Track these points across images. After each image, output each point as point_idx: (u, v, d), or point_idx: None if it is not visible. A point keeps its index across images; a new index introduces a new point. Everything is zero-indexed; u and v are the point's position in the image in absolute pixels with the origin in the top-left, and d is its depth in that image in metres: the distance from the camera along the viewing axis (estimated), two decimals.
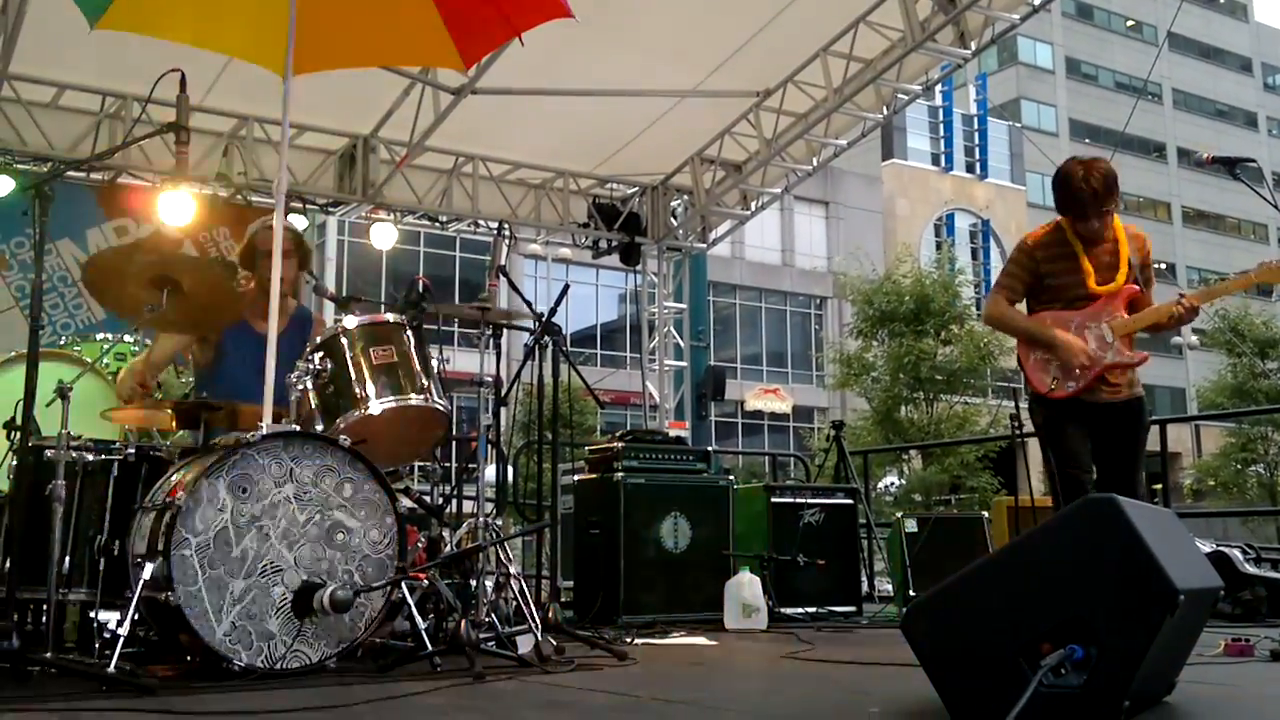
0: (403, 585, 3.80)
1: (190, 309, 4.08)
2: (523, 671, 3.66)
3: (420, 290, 4.43)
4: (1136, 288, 4.32)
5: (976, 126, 44.31)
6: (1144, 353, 4.28)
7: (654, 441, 6.62)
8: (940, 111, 43.21)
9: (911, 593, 6.69)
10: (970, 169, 44.11)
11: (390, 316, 4.27)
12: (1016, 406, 5.83)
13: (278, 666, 3.46)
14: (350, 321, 4.18)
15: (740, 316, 38.35)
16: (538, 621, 4.14)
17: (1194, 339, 37.94)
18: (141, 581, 3.38)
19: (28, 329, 3.54)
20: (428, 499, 4.87)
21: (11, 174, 7.33)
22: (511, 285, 5.09)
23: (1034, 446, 4.63)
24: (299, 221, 8.25)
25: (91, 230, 8.13)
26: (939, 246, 35.67)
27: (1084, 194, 4.17)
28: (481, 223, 9.31)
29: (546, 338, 4.94)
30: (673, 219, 9.89)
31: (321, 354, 4.07)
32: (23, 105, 7.48)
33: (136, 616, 3.40)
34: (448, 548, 4.46)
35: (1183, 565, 2.51)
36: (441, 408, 4.24)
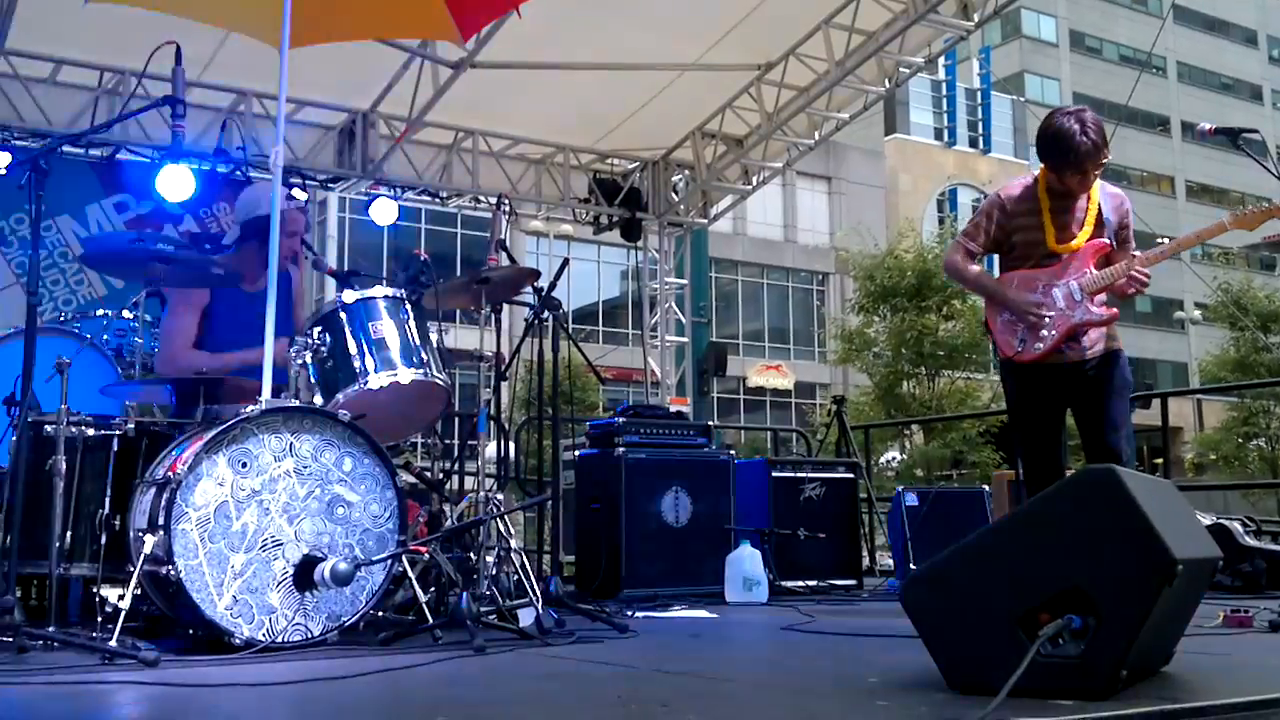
0: (404, 559, 3.81)
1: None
2: (523, 644, 3.67)
3: (421, 265, 4.42)
4: (1105, 243, 4.15)
5: (980, 100, 44.10)
6: (1114, 309, 4.13)
7: (655, 417, 6.62)
8: (943, 85, 43.00)
9: (912, 566, 6.70)
10: (973, 143, 43.92)
11: (390, 291, 4.26)
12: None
13: (279, 640, 3.47)
14: (349, 296, 4.17)
15: (742, 292, 38.29)
16: (538, 595, 4.15)
17: (1196, 313, 37.94)
18: (142, 556, 3.39)
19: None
20: (428, 474, 4.88)
21: (9, 150, 7.30)
22: (512, 260, 5.08)
23: None
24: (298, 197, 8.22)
25: (91, 206, 8.12)
26: (942, 221, 35.65)
27: (1086, 147, 3.99)
28: (482, 198, 9.28)
29: (547, 313, 4.94)
30: (674, 194, 9.86)
31: (320, 328, 4.07)
32: (19, 81, 7.45)
33: (138, 591, 3.41)
34: (448, 522, 4.47)
35: (1182, 535, 2.51)
36: (441, 382, 4.24)
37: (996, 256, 4.39)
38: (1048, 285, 4.13)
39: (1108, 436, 4.06)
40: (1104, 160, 4.08)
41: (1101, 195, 4.20)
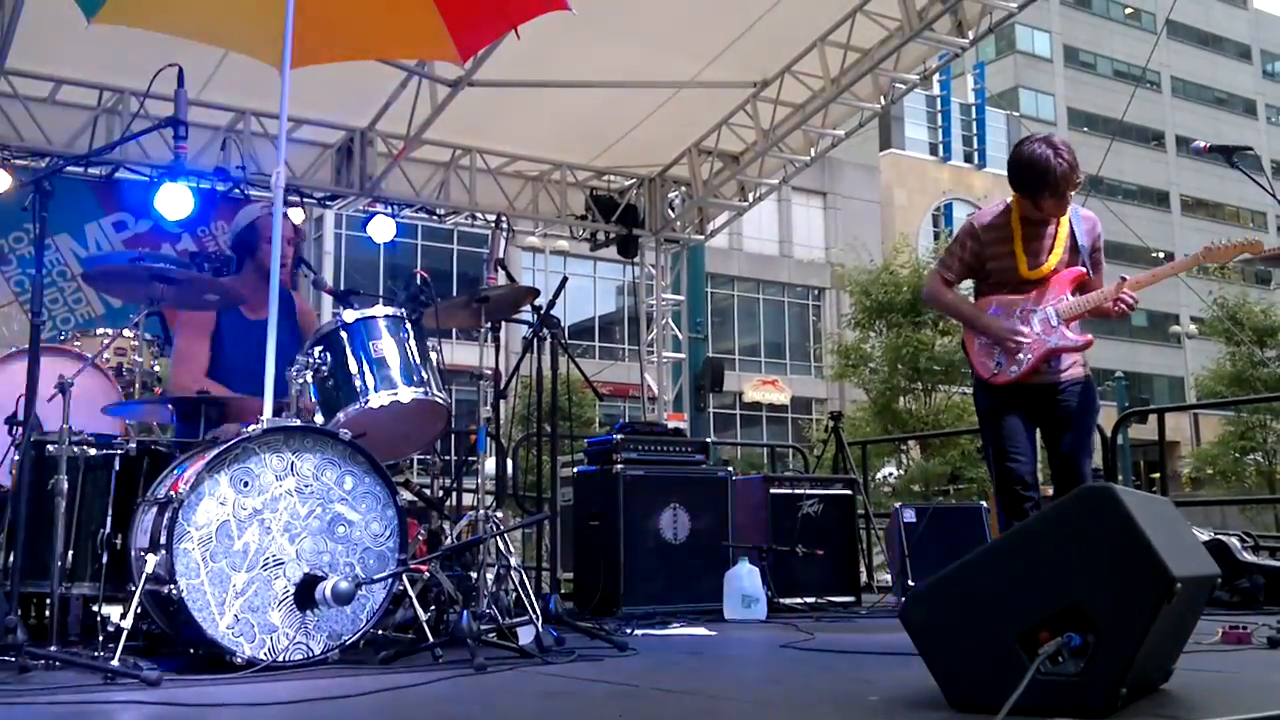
0: (404, 577, 3.81)
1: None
2: (523, 662, 3.67)
3: (419, 283, 4.44)
4: (1082, 270, 4.25)
5: (974, 116, 44.27)
6: (1089, 335, 4.23)
7: (652, 433, 6.64)
8: (938, 101, 43.18)
9: (910, 583, 6.70)
10: (968, 158, 44.07)
11: (390, 310, 4.28)
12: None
13: (280, 659, 3.47)
14: (349, 315, 4.19)
15: (738, 308, 38.34)
16: (538, 613, 4.15)
17: (1192, 327, 38.01)
18: (144, 575, 3.39)
19: (27, 324, 3.55)
20: (428, 491, 4.89)
21: (10, 169, 7.32)
22: (510, 279, 5.10)
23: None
24: (297, 215, 8.25)
25: (90, 225, 8.13)
26: (937, 236, 35.70)
27: (1061, 169, 4.07)
28: (479, 215, 9.31)
29: (545, 330, 4.96)
30: (670, 211, 9.89)
31: (321, 347, 4.08)
32: (20, 100, 7.47)
33: (139, 610, 3.41)
34: (448, 540, 4.48)
35: (1179, 552, 2.53)
36: (440, 401, 4.25)
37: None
38: (1026, 311, 4.23)
39: (1076, 462, 4.21)
40: (1078, 182, 4.17)
41: (1074, 219, 4.28)
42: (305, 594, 3.54)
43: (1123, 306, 4.19)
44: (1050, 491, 4.52)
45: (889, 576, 7.61)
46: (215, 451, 3.54)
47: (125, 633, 3.30)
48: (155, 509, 3.57)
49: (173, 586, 3.35)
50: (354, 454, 3.78)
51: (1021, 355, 4.19)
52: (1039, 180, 4.11)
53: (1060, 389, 4.23)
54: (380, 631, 3.83)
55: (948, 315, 4.60)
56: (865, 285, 25.48)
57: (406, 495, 4.53)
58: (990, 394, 4.28)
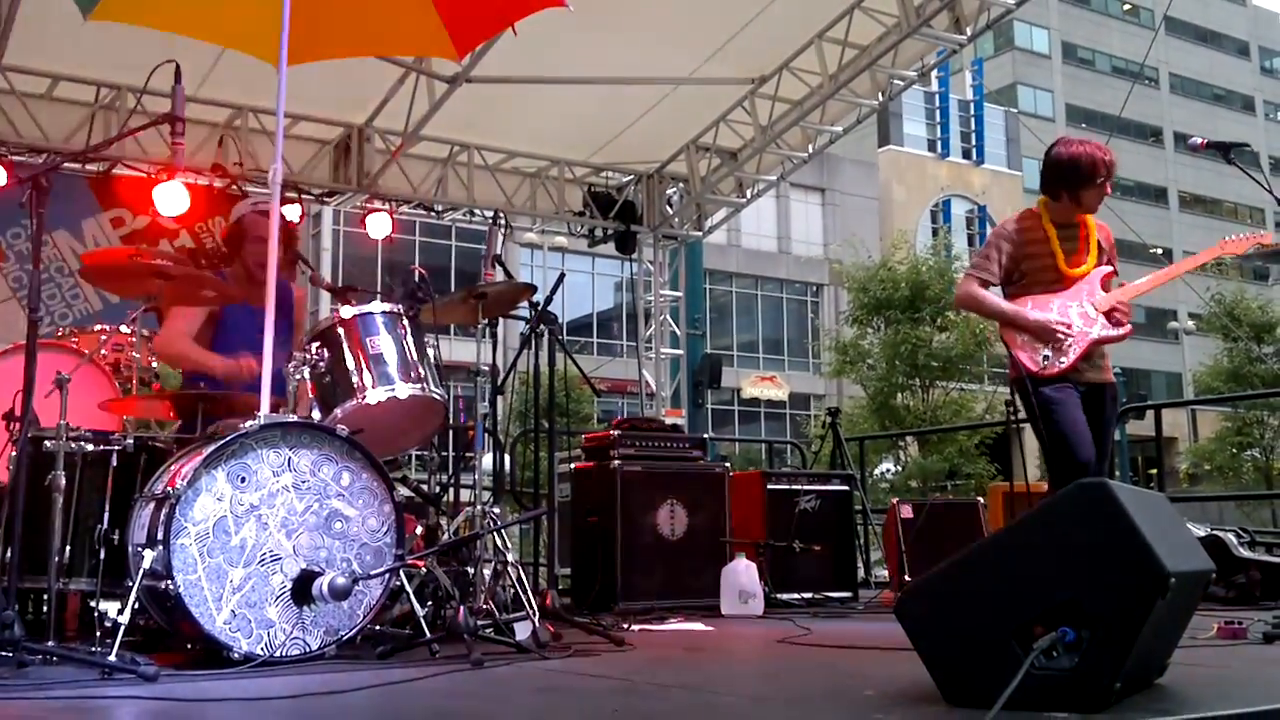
0: (401, 573, 3.82)
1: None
2: (520, 658, 3.68)
3: (416, 280, 4.44)
4: (1111, 270, 4.43)
5: (973, 112, 44.18)
6: (1128, 326, 4.38)
7: (650, 429, 6.64)
8: (936, 97, 43.09)
9: (907, 578, 6.71)
10: (967, 155, 44.00)
11: (388, 307, 4.28)
12: (1012, 393, 5.87)
13: (277, 654, 3.48)
14: (347, 312, 4.19)
15: (736, 304, 38.33)
16: (535, 608, 4.16)
17: (1190, 323, 38.04)
18: (141, 570, 3.40)
19: (25, 320, 3.55)
20: (425, 487, 4.90)
21: (7, 166, 7.31)
22: (508, 274, 5.11)
23: (1029, 432, 4.63)
24: (292, 211, 8.24)
25: (87, 221, 8.11)
26: (935, 233, 35.69)
27: (1108, 161, 4.27)
28: (477, 212, 9.31)
29: (542, 326, 4.96)
30: (668, 207, 9.89)
31: (318, 344, 4.08)
32: (17, 96, 7.46)
33: (137, 605, 3.41)
34: (445, 535, 4.49)
35: (1174, 548, 2.54)
36: (438, 397, 4.26)
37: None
38: (1063, 306, 4.34)
39: (1106, 463, 4.36)
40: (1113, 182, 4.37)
41: (1095, 224, 4.46)
42: (302, 589, 3.55)
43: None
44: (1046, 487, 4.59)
45: (886, 572, 7.62)
46: (213, 447, 3.54)
47: (123, 628, 3.31)
48: (152, 504, 3.58)
49: (170, 582, 3.35)
50: (351, 450, 3.78)
51: (1068, 346, 4.29)
52: (1089, 174, 4.29)
53: (1098, 392, 4.36)
54: (377, 627, 3.84)
55: (984, 316, 4.74)
56: (863, 281, 25.50)
57: (404, 491, 4.53)
58: (1045, 384, 4.32)
